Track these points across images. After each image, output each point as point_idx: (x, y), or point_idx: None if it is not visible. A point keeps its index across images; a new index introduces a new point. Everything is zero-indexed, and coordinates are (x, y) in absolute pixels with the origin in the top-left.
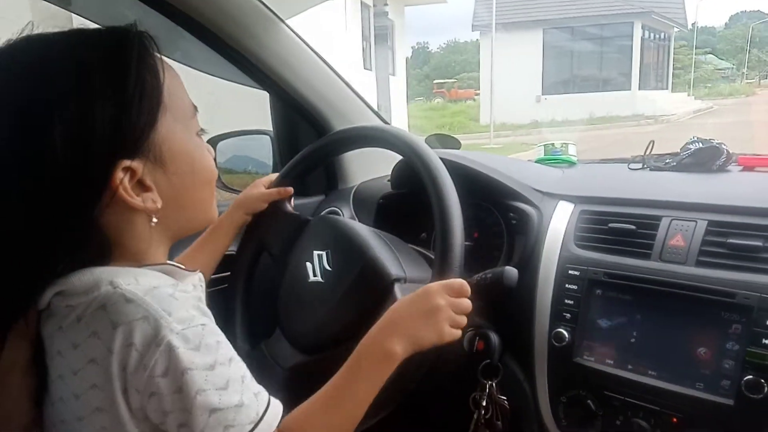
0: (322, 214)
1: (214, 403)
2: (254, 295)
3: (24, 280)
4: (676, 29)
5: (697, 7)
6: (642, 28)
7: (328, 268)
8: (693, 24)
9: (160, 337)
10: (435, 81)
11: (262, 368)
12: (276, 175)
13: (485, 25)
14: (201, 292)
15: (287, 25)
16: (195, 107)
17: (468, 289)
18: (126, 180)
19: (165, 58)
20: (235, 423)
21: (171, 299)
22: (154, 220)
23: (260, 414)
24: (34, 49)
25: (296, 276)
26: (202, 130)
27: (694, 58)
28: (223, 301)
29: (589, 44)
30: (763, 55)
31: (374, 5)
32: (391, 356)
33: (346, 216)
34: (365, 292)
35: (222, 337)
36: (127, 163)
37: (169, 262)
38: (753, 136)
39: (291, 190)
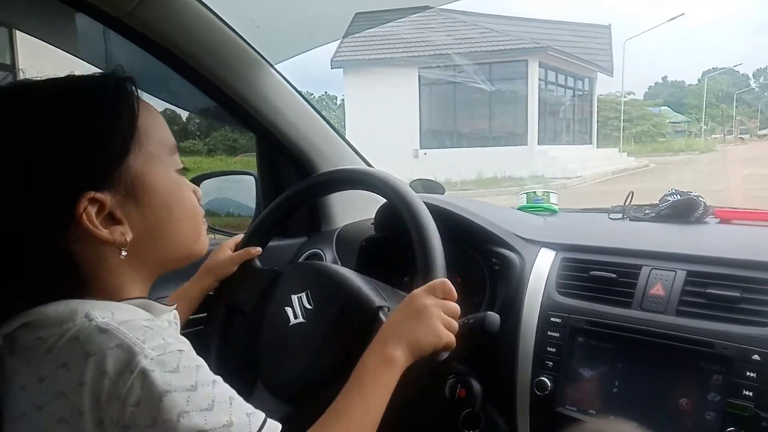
0: (298, 261)
1: (199, 425)
2: (230, 358)
3: None
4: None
5: (624, 47)
6: (541, 67)
7: (308, 306)
8: (664, 78)
9: (134, 363)
10: None
11: None
12: (241, 236)
13: (348, 60)
14: (176, 330)
15: (276, 70)
16: (176, 145)
17: (452, 288)
18: (93, 211)
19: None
20: None
21: (146, 329)
22: (123, 253)
23: None
24: (15, 92)
25: (276, 323)
26: (185, 168)
27: (623, 110)
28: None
29: (476, 88)
30: (730, 110)
31: None
32: (391, 361)
33: (329, 259)
34: (351, 324)
35: (202, 362)
36: (92, 194)
37: (146, 297)
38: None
39: (259, 249)
